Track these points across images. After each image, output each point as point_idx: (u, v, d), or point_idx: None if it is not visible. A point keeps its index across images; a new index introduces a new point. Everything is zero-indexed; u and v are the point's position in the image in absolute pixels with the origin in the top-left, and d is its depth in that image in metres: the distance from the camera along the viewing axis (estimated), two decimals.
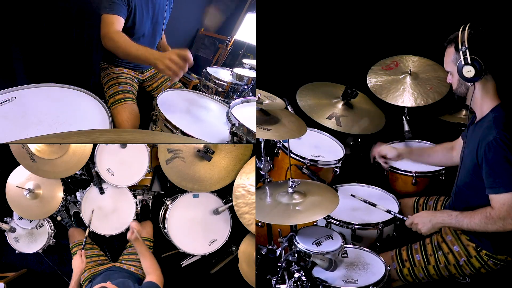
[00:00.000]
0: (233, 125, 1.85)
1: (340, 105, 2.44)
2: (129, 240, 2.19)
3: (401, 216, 1.93)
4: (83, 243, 2.21)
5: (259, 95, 1.94)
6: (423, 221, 1.81)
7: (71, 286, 2.02)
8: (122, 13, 2.10)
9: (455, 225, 1.75)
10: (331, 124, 2.35)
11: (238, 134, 1.84)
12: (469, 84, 1.74)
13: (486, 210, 1.67)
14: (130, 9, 2.27)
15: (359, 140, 2.54)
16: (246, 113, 2.01)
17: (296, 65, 3.03)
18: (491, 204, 1.66)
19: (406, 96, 2.40)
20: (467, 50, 1.66)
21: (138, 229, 2.24)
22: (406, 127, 2.46)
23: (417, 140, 2.57)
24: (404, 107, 2.41)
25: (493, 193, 1.65)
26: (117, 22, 2.07)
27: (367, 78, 2.53)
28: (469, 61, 1.67)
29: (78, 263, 2.08)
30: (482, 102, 1.75)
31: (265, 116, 1.98)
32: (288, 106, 2.28)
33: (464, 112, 2.57)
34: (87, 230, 2.28)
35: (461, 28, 1.71)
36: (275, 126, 1.94)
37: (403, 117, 2.48)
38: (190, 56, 1.80)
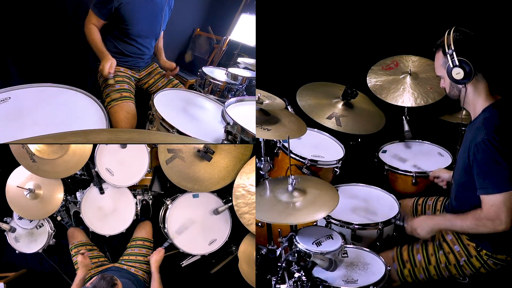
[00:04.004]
0: (228, 123, 1.86)
1: (340, 105, 2.44)
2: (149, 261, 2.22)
3: (401, 224, 1.96)
4: (84, 249, 2.24)
5: (259, 95, 1.94)
6: (422, 226, 1.84)
7: (75, 284, 2.02)
8: (102, 15, 2.39)
9: (450, 227, 1.80)
10: (331, 124, 2.35)
11: (233, 133, 1.84)
12: (461, 86, 1.74)
13: (476, 212, 1.68)
14: (120, 8, 2.34)
15: (359, 140, 2.54)
16: (241, 112, 2.02)
17: (296, 65, 3.03)
18: (481, 205, 1.67)
19: (406, 96, 2.40)
20: (454, 53, 1.67)
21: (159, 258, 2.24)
22: (406, 127, 2.46)
23: (417, 140, 2.57)
24: (404, 107, 2.41)
25: (483, 193, 1.66)
26: (96, 20, 2.39)
27: (367, 78, 2.53)
28: (457, 63, 1.68)
29: (87, 262, 2.11)
30: (475, 102, 1.76)
31: (265, 116, 1.98)
32: (288, 106, 2.28)
33: (464, 112, 2.56)
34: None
35: (446, 32, 1.72)
36: (275, 126, 1.94)
37: (403, 117, 2.48)
38: (106, 72, 2.31)
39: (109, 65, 2.29)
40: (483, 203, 1.66)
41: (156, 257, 2.22)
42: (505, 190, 1.60)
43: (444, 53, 1.72)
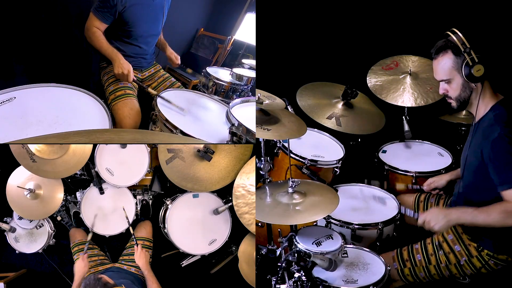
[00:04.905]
0: (233, 124, 1.85)
1: (340, 105, 2.44)
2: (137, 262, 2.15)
3: (412, 214, 1.88)
4: (85, 247, 2.21)
5: (259, 95, 1.94)
6: (437, 218, 1.73)
7: None
8: (106, 20, 2.33)
9: (471, 221, 1.70)
10: (331, 124, 2.34)
11: (238, 134, 1.84)
12: (474, 85, 1.71)
13: (503, 205, 1.62)
14: (124, 11, 2.33)
15: (359, 140, 2.54)
16: (245, 113, 2.01)
17: (296, 65, 3.03)
18: (504, 199, 1.62)
19: (406, 96, 2.40)
20: (471, 50, 1.65)
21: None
22: (406, 127, 2.46)
23: (417, 140, 2.57)
24: (404, 107, 2.41)
25: (507, 188, 1.61)
26: (99, 23, 2.34)
27: (367, 78, 2.53)
28: (477, 60, 1.65)
29: (80, 267, 2.07)
30: (482, 102, 1.74)
31: (265, 116, 1.98)
32: (288, 106, 2.27)
33: (464, 112, 2.57)
34: (90, 235, 2.29)
35: (450, 33, 1.69)
36: (275, 126, 1.94)
37: (403, 117, 2.48)
38: (131, 78, 2.34)
39: (127, 67, 2.30)
40: (508, 197, 1.61)
41: (139, 257, 2.13)
42: None
43: (456, 54, 1.68)
